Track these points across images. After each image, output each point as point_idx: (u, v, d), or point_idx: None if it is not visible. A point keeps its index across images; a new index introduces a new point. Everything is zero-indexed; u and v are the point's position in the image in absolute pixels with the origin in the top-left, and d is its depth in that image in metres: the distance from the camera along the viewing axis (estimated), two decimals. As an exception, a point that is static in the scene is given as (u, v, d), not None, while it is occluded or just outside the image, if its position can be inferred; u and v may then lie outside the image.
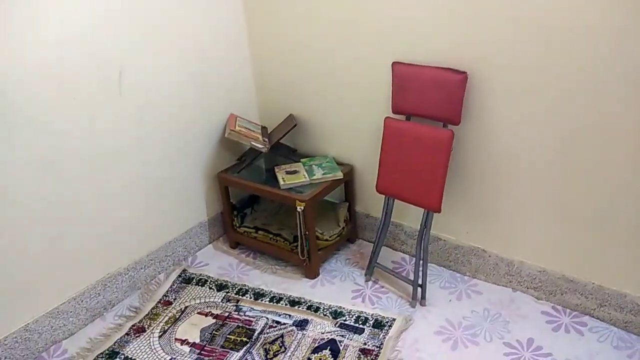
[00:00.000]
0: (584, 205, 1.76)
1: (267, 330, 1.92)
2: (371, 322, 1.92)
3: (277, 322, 1.95)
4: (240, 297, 2.11)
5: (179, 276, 2.25)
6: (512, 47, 1.68)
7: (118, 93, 1.92)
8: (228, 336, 1.90)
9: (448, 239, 2.15)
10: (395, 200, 2.04)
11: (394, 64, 1.90)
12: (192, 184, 2.34)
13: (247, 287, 2.16)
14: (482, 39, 1.72)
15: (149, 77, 2.01)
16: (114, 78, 1.89)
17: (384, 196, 2.06)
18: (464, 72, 1.74)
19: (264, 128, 2.44)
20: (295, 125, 2.30)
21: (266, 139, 2.32)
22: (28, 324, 1.82)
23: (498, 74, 1.74)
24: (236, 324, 1.96)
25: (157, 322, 1.99)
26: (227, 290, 2.15)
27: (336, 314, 1.98)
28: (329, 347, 1.82)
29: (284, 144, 2.42)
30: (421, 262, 1.99)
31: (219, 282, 2.20)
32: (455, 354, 1.78)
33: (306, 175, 2.18)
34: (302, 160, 2.33)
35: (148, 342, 1.89)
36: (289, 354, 1.80)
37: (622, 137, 1.60)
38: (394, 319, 1.93)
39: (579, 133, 1.67)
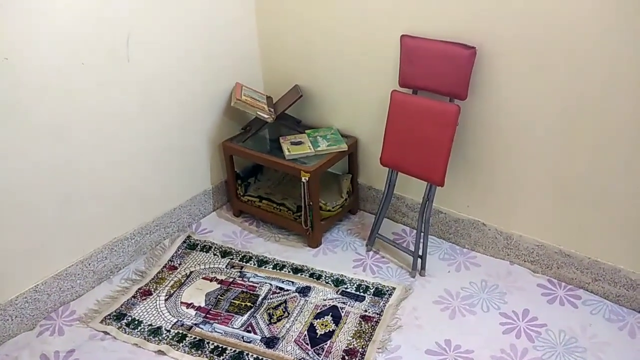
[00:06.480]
0: (582, 182, 1.80)
1: (271, 296, 1.97)
2: (372, 291, 1.98)
3: (281, 289, 2.00)
4: (244, 263, 2.15)
5: (184, 242, 2.29)
6: (521, 24, 1.68)
7: (126, 59, 1.92)
8: (232, 301, 1.95)
9: (449, 212, 2.19)
10: (399, 173, 2.07)
11: (402, 37, 1.90)
12: (197, 152, 2.35)
13: (250, 254, 2.20)
14: (492, 14, 1.72)
15: (157, 45, 2.01)
16: (122, 44, 1.88)
17: (387, 169, 2.09)
18: (473, 47, 1.75)
19: (269, 98, 2.45)
20: (301, 96, 2.31)
21: (272, 109, 2.33)
22: (37, 285, 1.86)
23: (506, 51, 1.75)
24: (240, 289, 2.01)
25: (163, 286, 2.04)
26: (231, 257, 2.19)
27: (338, 282, 2.03)
28: (330, 314, 1.87)
29: (288, 115, 2.42)
30: (422, 234, 2.03)
31: (223, 248, 2.25)
32: (453, 323, 1.84)
33: (311, 147, 2.21)
34: (307, 131, 2.34)
35: (154, 304, 1.94)
36: (292, 318, 1.86)
37: (623, 118, 1.63)
38: (394, 288, 1.98)
39: (581, 112, 1.69)
